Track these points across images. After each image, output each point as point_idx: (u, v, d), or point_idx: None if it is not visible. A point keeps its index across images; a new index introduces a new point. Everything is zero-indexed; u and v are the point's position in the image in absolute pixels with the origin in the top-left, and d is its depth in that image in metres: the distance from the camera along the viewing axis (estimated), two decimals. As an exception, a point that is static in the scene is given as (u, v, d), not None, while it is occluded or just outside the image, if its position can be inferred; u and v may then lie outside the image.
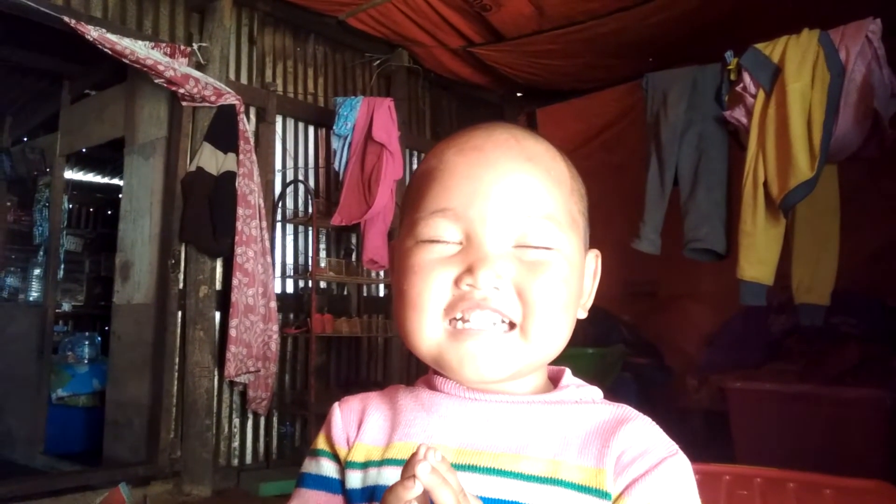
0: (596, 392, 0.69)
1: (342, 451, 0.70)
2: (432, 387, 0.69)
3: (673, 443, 0.63)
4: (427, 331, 0.63)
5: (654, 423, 0.65)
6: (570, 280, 0.65)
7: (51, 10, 3.28)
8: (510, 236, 0.63)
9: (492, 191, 0.62)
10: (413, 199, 0.68)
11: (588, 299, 0.72)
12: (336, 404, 0.74)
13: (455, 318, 0.63)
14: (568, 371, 0.71)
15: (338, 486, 0.69)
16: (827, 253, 3.04)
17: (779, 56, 2.86)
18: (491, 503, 0.59)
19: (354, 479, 0.67)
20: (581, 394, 0.68)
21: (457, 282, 0.62)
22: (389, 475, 0.64)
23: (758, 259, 2.91)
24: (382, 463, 0.66)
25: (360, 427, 0.70)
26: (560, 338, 0.65)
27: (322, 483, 0.70)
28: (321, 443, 0.73)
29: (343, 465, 0.69)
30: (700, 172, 3.21)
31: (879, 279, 3.84)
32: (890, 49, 2.76)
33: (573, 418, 0.65)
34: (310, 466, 0.72)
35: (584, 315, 0.70)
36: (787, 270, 3.11)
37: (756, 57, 2.92)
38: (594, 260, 0.74)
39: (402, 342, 0.68)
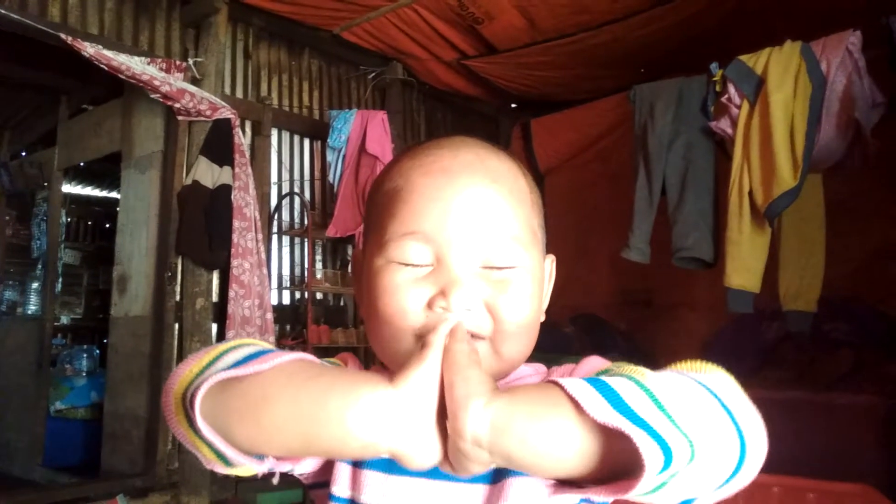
0: (539, 365, 0.74)
1: None
2: None
3: None
4: (402, 348, 0.65)
5: None
6: (534, 293, 0.68)
7: (48, 28, 3.33)
8: (478, 257, 0.65)
9: (460, 214, 0.64)
10: (380, 217, 0.69)
11: (545, 301, 0.75)
12: (351, 354, 0.78)
13: None
14: None
15: None
16: (813, 260, 3.08)
17: (762, 67, 2.91)
18: None
19: None
20: (527, 370, 0.73)
21: (430, 304, 0.64)
22: None
23: (744, 267, 2.94)
24: None
25: None
26: (527, 348, 0.69)
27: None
28: (335, 361, 0.75)
29: None
30: (687, 182, 3.26)
31: (871, 286, 3.88)
32: (870, 60, 2.81)
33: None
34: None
35: (542, 318, 0.73)
36: (776, 278, 3.15)
37: (740, 68, 2.96)
38: (550, 264, 0.76)
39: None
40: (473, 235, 0.64)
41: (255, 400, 0.54)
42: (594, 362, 0.68)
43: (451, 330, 0.58)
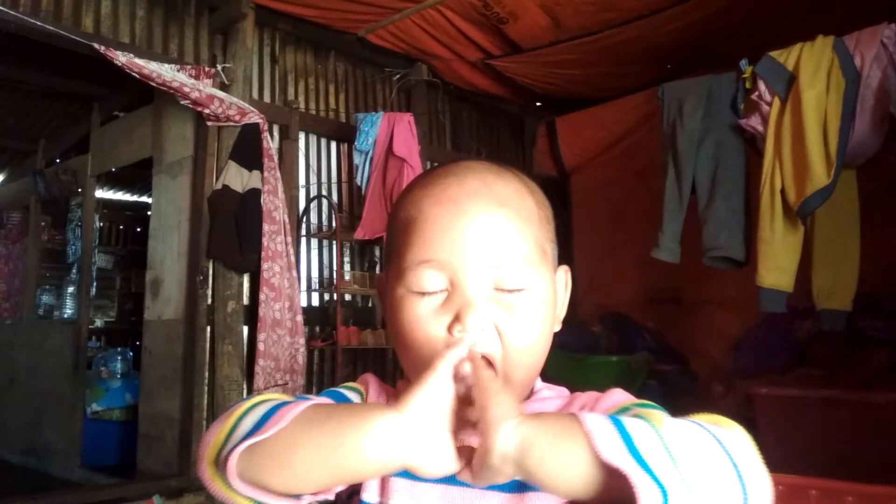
0: (562, 389, 0.78)
1: None
2: None
3: None
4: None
5: None
6: (544, 313, 0.72)
7: (82, 38, 3.40)
8: (489, 280, 0.69)
9: (470, 240, 0.68)
10: (397, 245, 0.74)
11: (562, 311, 0.78)
12: (372, 375, 0.82)
13: None
14: (538, 378, 0.78)
15: None
16: (847, 258, 3.03)
17: (793, 63, 2.86)
18: None
19: None
20: (549, 393, 0.77)
21: (448, 329, 0.68)
22: None
23: (777, 266, 2.90)
24: None
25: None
26: (535, 371, 0.73)
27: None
28: (356, 386, 0.79)
29: None
30: (717, 181, 3.22)
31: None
32: (906, 54, 2.76)
33: (546, 408, 0.74)
34: (338, 393, 0.77)
35: (558, 328, 0.76)
36: (809, 275, 3.10)
37: (771, 65, 2.92)
38: (564, 275, 0.79)
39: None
40: (484, 260, 0.69)
41: (282, 453, 0.61)
42: (618, 396, 0.71)
43: (470, 358, 0.64)
